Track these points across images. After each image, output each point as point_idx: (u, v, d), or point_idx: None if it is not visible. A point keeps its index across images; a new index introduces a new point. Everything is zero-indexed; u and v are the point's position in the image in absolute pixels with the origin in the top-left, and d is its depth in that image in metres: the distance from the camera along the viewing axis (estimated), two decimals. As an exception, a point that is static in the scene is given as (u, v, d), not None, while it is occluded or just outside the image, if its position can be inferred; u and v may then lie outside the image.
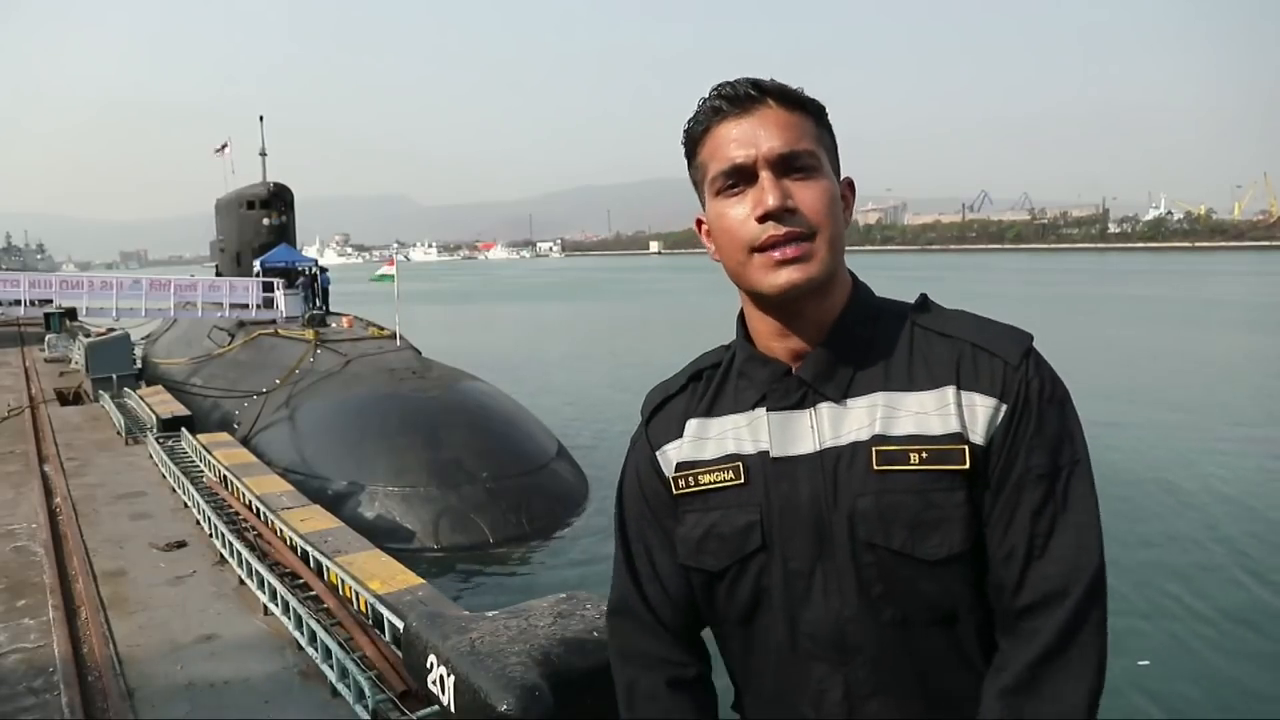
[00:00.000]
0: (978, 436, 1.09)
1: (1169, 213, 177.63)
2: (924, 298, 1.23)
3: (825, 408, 1.14)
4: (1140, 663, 6.36)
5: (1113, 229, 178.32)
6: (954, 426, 1.09)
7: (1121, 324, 33.32)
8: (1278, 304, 41.29)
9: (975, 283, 61.45)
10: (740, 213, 1.12)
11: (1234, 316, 36.39)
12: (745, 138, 1.11)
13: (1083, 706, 1.03)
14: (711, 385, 1.27)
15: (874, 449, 1.10)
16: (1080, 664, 1.04)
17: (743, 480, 1.18)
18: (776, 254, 1.09)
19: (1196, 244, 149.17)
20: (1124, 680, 6.28)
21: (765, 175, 1.10)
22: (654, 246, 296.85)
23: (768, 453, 1.16)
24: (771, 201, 1.08)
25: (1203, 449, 14.01)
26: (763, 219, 1.09)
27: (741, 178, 1.12)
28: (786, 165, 1.10)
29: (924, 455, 1.08)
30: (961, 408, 1.09)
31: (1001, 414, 1.09)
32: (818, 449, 1.13)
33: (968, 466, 1.08)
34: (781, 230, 1.09)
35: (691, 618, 1.29)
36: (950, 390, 1.10)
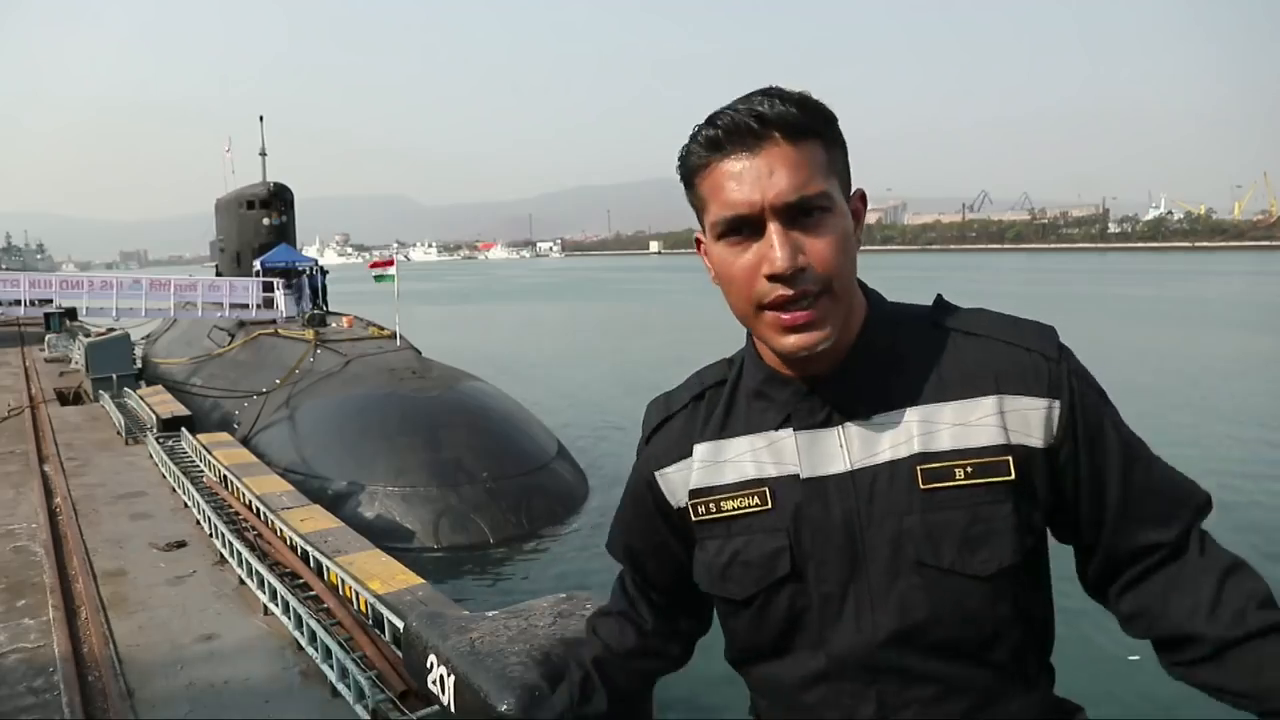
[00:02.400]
0: (1035, 439, 1.06)
1: (1169, 213, 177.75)
2: (940, 299, 1.19)
3: (853, 426, 1.10)
4: (1130, 657, 6.36)
5: (1113, 229, 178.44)
6: (998, 438, 1.06)
7: (1120, 323, 33.31)
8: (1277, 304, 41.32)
9: (976, 282, 61.43)
10: (746, 263, 1.04)
11: (1233, 316, 36.38)
12: (749, 181, 1.02)
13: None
14: (719, 405, 1.21)
15: (918, 467, 1.06)
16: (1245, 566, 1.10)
17: (769, 505, 1.13)
18: (786, 316, 1.04)
19: (1196, 244, 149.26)
20: (1115, 676, 6.28)
21: (773, 228, 1.02)
22: (654, 246, 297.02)
23: (796, 475, 1.12)
24: (781, 264, 1.01)
25: (1201, 447, 14.02)
26: (774, 278, 1.03)
27: (746, 225, 1.04)
28: (795, 212, 1.02)
29: (969, 469, 1.05)
30: (1004, 414, 1.06)
31: (1058, 411, 1.07)
32: (849, 469, 1.09)
33: (1014, 476, 1.05)
34: (791, 291, 1.02)
35: (675, 597, 1.34)
36: (989, 399, 1.07)
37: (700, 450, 1.20)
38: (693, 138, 1.08)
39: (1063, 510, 1.12)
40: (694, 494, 1.20)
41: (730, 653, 1.24)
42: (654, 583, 1.36)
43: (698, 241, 1.17)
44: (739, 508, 1.15)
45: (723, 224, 1.05)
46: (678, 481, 1.23)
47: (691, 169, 1.08)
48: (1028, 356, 1.08)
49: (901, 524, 1.06)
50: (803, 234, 1.03)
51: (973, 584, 1.06)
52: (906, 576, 1.06)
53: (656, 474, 1.25)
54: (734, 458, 1.17)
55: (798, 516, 1.11)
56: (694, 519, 1.20)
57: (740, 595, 1.16)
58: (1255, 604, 1.04)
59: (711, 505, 1.18)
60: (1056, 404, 1.07)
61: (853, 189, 1.12)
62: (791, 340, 1.04)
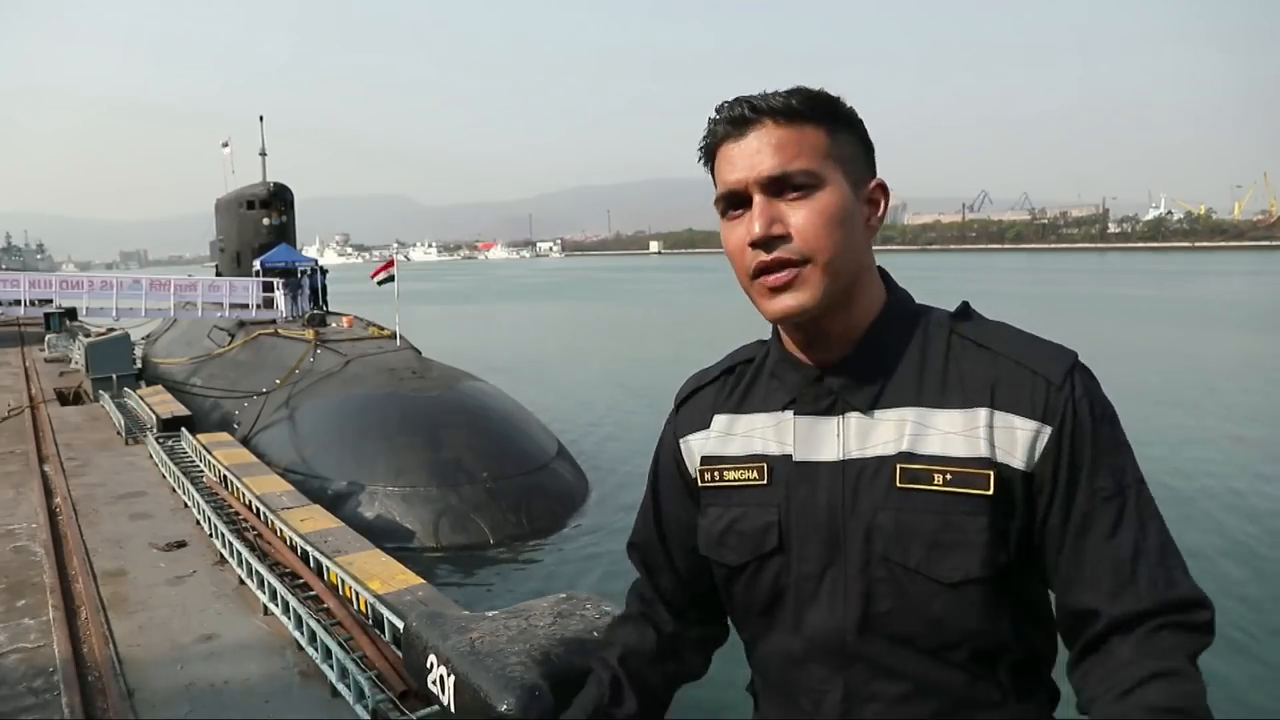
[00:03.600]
0: (1016, 461, 1.06)
1: (1169, 213, 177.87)
2: (965, 305, 1.20)
3: (853, 417, 1.13)
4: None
5: (1113, 229, 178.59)
6: (981, 450, 1.06)
7: (1119, 323, 33.31)
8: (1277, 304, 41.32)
9: (975, 283, 61.42)
10: (738, 236, 1.11)
11: (1231, 317, 36.38)
12: (740, 160, 1.10)
13: (1201, 697, 0.96)
14: (743, 381, 1.27)
15: (898, 465, 1.08)
16: (1187, 674, 0.98)
17: (766, 481, 1.18)
18: (769, 280, 1.09)
19: (1196, 244, 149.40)
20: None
21: (757, 199, 1.09)
22: (654, 246, 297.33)
23: (790, 456, 1.16)
24: (757, 229, 1.08)
25: (1202, 446, 14.02)
26: (753, 245, 1.09)
27: (740, 201, 1.11)
28: (780, 186, 1.08)
29: (948, 477, 1.06)
30: (994, 430, 1.06)
31: (1045, 437, 1.05)
32: (841, 458, 1.12)
33: (992, 492, 1.05)
34: (769, 257, 1.08)
35: (695, 574, 1.35)
36: (983, 412, 1.07)
37: (717, 421, 1.27)
38: (706, 128, 1.16)
39: (1031, 539, 1.08)
40: (704, 460, 1.27)
41: (730, 616, 1.31)
42: (680, 571, 1.38)
43: None
44: (739, 479, 1.22)
45: (722, 201, 1.14)
46: (695, 449, 1.29)
47: (708, 155, 1.17)
48: (1031, 378, 1.07)
49: (875, 519, 1.09)
50: (786, 207, 1.09)
51: (937, 588, 1.07)
52: (874, 569, 1.10)
53: (681, 441, 1.32)
54: (744, 432, 1.23)
55: (788, 496, 1.16)
56: (700, 485, 1.27)
57: (735, 562, 1.21)
58: (1152, 681, 0.96)
59: (716, 473, 1.24)
60: (1047, 430, 1.05)
61: (874, 180, 1.16)
62: (776, 303, 1.10)
